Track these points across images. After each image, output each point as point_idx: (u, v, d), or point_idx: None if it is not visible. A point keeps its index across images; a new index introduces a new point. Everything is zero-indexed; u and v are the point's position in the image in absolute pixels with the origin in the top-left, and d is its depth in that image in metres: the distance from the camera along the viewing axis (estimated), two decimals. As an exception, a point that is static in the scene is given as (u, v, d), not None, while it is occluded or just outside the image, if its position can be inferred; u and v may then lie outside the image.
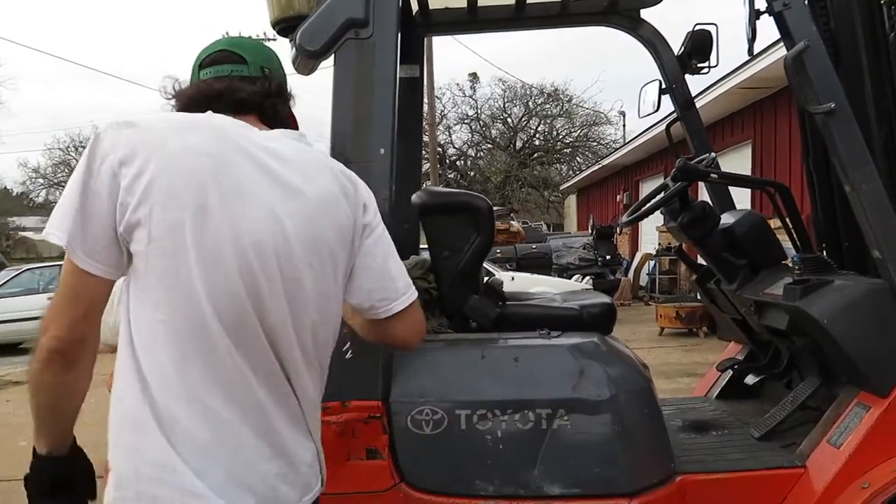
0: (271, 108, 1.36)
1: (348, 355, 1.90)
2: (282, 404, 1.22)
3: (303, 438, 1.26)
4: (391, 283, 1.34)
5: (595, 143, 30.62)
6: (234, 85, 1.32)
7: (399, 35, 2.04)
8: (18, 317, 10.28)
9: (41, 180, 39.01)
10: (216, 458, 1.14)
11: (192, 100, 1.31)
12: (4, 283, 11.24)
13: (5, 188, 44.15)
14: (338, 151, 1.97)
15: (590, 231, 15.70)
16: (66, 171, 37.68)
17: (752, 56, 2.67)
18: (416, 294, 1.38)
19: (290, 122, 1.42)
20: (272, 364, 1.20)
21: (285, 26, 2.18)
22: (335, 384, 1.89)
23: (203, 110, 1.27)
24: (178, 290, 1.14)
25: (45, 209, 39.72)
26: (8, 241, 34.94)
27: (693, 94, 2.90)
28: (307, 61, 2.14)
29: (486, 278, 2.59)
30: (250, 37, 1.48)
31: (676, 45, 2.82)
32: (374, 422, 1.89)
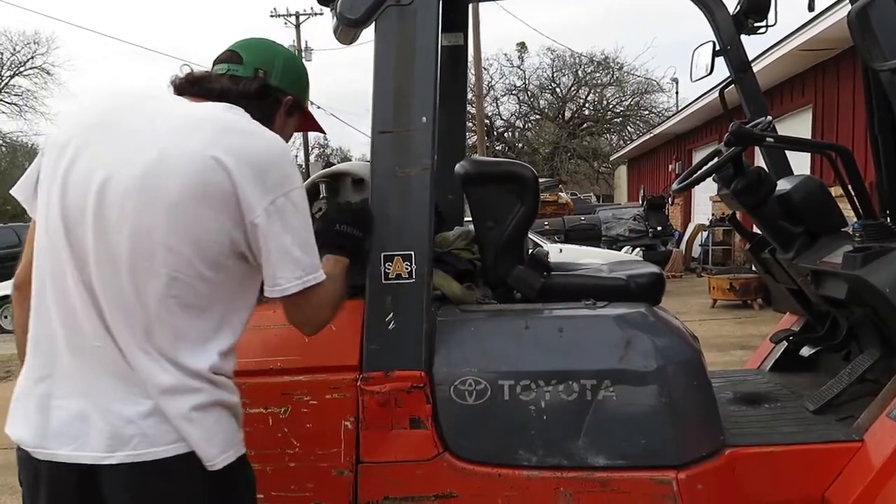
0: (243, 108, 1.44)
1: (391, 326, 1.91)
2: (95, 351, 1.28)
3: (125, 393, 1.27)
4: (269, 270, 1.34)
5: (647, 112, 29.91)
6: (212, 77, 1.47)
7: (441, 1, 2.00)
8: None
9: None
10: (33, 377, 1.32)
11: (177, 86, 1.46)
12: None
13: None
14: (379, 120, 1.96)
15: (640, 202, 15.41)
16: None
17: (813, 13, 2.53)
18: (289, 292, 1.36)
19: (276, 125, 1.52)
20: (87, 307, 1.27)
21: (326, -5, 2.17)
22: (378, 354, 1.92)
23: (182, 94, 1.45)
24: (37, 227, 1.34)
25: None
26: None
27: (749, 58, 2.77)
28: (348, 30, 2.12)
29: (531, 249, 2.55)
30: (275, 41, 1.61)
31: (732, 4, 2.70)
32: (417, 392, 1.90)
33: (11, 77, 32.25)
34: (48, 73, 32.87)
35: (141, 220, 1.25)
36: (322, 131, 1.79)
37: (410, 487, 1.91)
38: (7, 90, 32.16)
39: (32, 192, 1.36)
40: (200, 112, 1.37)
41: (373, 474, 1.92)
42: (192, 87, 1.44)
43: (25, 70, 32.27)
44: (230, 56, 1.53)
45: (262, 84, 1.50)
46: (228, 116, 1.38)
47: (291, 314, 1.47)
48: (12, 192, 1.40)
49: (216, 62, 1.53)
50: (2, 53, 31.99)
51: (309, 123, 1.71)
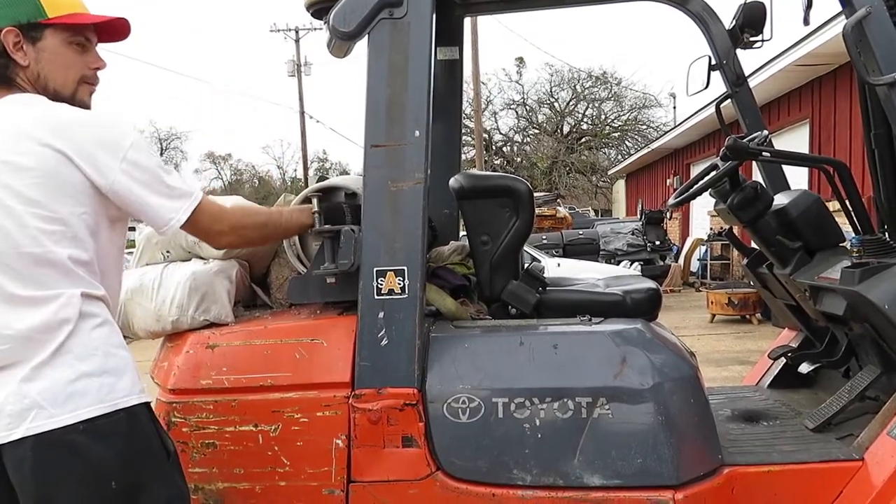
0: None
1: (383, 342, 1.88)
2: None
3: None
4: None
5: (644, 127, 30.07)
6: None
7: (434, 15, 1.99)
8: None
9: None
10: None
11: None
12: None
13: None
14: (372, 134, 1.94)
15: (639, 216, 15.39)
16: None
17: (808, 26, 2.50)
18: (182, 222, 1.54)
19: (29, 63, 1.48)
20: None
21: (319, 8, 2.16)
22: (370, 371, 1.89)
23: None
24: None
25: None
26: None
27: (746, 73, 2.76)
28: (341, 43, 2.11)
29: (527, 264, 2.53)
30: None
31: (728, 18, 2.69)
32: (409, 409, 1.86)
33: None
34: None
35: None
36: (118, 19, 1.61)
37: (402, 507, 1.88)
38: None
39: None
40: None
41: (364, 494, 1.88)
42: None
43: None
44: None
45: None
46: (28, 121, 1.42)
47: (195, 235, 1.70)
48: None
49: None
50: None
51: (82, 27, 1.55)
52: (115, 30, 1.63)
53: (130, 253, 2.11)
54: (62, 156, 1.39)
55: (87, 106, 1.59)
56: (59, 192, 1.40)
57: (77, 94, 1.57)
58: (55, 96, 1.53)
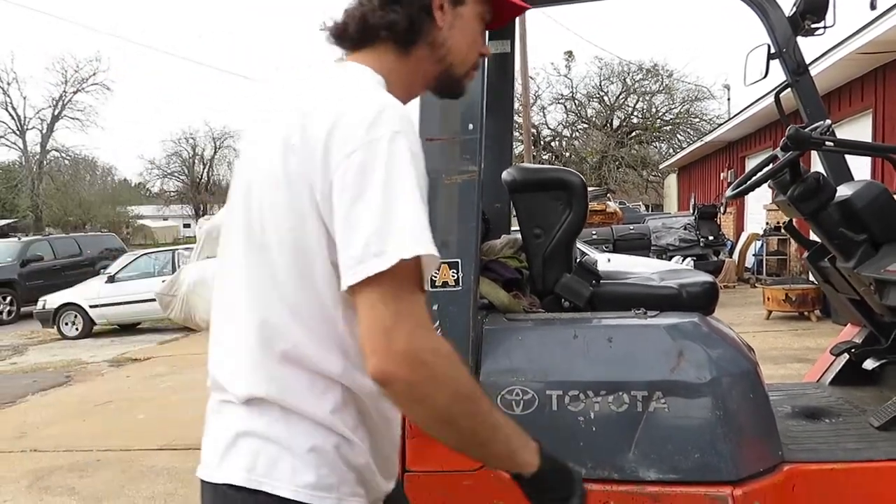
0: (386, 35, 1.13)
1: (437, 333, 1.89)
2: None
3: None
4: (346, 239, 0.96)
5: (697, 119, 29.41)
6: (346, 19, 1.19)
7: (487, 8, 1.99)
8: (136, 298, 11.01)
9: (156, 171, 41.63)
10: None
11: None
12: (124, 267, 12.02)
13: (125, 179, 47.51)
14: (426, 128, 1.96)
15: (691, 211, 15.09)
16: (178, 161, 40.41)
17: (875, 11, 2.41)
18: (350, 281, 0.95)
19: (445, 26, 1.15)
20: None
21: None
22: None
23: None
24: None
25: (160, 198, 42.65)
26: (128, 229, 37.61)
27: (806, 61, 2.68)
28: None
29: (579, 257, 2.51)
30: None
31: (788, 4, 2.61)
32: (463, 400, 1.87)
33: (74, 93, 33.70)
34: (108, 88, 34.35)
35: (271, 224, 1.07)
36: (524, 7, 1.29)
37: (457, 498, 1.89)
38: (70, 105, 33.65)
39: None
40: (314, 90, 1.12)
41: (418, 484, 1.90)
42: (343, 42, 1.19)
43: (87, 86, 33.68)
44: None
45: None
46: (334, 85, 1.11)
47: (360, 324, 0.97)
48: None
49: None
50: (66, 71, 33.52)
51: (505, 5, 1.23)
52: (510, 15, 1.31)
53: (190, 249, 2.18)
54: None
55: (460, 96, 1.30)
56: None
57: (465, 79, 1.25)
58: (444, 73, 1.20)
